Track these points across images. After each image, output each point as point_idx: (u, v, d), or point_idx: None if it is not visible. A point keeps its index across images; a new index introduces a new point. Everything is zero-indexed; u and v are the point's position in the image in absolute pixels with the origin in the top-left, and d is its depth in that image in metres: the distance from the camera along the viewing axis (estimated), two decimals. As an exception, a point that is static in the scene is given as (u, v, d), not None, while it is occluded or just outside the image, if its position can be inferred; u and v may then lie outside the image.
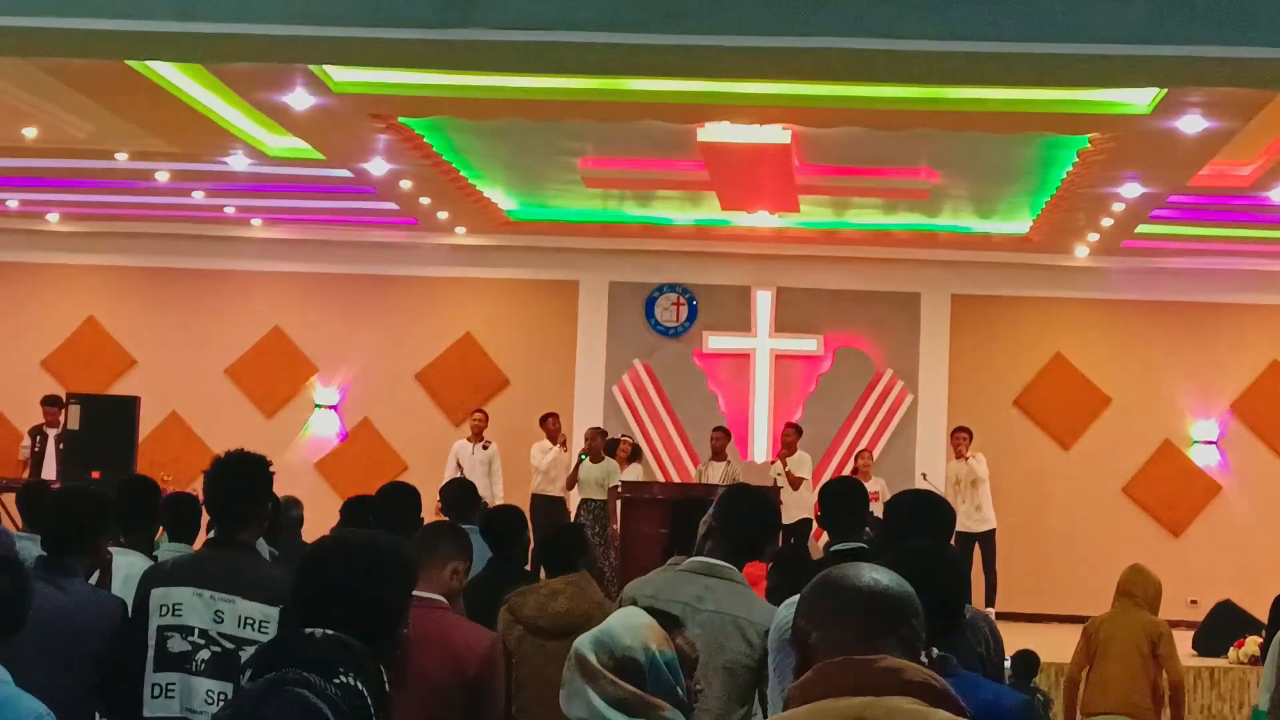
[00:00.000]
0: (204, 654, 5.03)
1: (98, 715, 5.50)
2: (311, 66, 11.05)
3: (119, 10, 9.22)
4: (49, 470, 16.27)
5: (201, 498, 5.79)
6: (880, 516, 6.73)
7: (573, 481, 16.34)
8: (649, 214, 17.59)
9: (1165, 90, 10.73)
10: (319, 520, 11.18)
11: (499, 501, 14.39)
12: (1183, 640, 11.63)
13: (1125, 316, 18.65)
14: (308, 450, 18.76)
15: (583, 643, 3.95)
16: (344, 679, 2.41)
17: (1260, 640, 12.02)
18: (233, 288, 19.29)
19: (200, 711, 4.99)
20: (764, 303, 18.89)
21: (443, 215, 17.41)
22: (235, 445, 5.74)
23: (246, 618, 5.04)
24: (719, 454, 16.78)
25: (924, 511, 5.55)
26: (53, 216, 18.68)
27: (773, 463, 16.94)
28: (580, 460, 16.29)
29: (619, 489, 15.27)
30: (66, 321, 19.32)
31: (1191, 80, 9.89)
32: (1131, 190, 14.27)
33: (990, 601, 15.94)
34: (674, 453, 18.30)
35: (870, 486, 15.69)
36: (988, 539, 16.33)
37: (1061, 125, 12.44)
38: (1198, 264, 18.04)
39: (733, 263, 18.78)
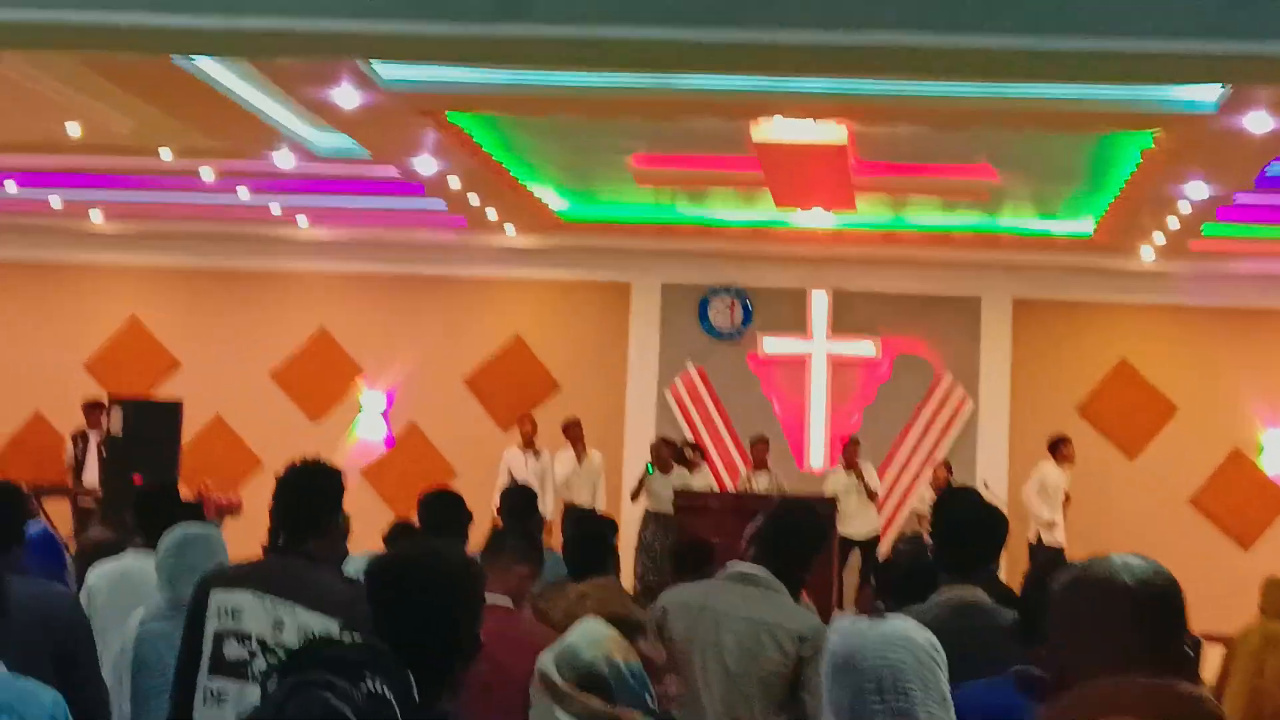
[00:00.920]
0: (260, 663, 4.96)
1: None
2: (360, 62, 11.11)
3: (165, 4, 9.29)
4: (90, 475, 16.38)
5: (223, 501, 5.80)
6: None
7: (636, 494, 16.35)
8: (702, 213, 17.61)
9: (1231, 86, 10.67)
10: (366, 528, 11.19)
11: (549, 513, 14.44)
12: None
13: (1193, 322, 18.56)
14: (354, 456, 18.81)
15: (544, 661, 3.95)
16: (370, 685, 2.42)
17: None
18: (278, 288, 19.43)
19: None
20: (820, 305, 18.89)
21: (492, 214, 17.44)
22: (280, 450, 5.77)
23: (306, 628, 5.03)
24: (760, 464, 16.78)
25: (980, 523, 5.50)
26: (96, 215, 18.80)
27: (847, 473, 16.82)
28: (647, 472, 16.30)
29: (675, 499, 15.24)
30: (109, 323, 19.49)
31: (1259, 77, 9.84)
32: (1197, 190, 14.18)
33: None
34: (728, 459, 18.29)
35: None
36: (1060, 556, 16.32)
37: (1124, 122, 12.40)
38: (1267, 267, 17.92)
39: (788, 264, 18.76)
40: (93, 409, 17.22)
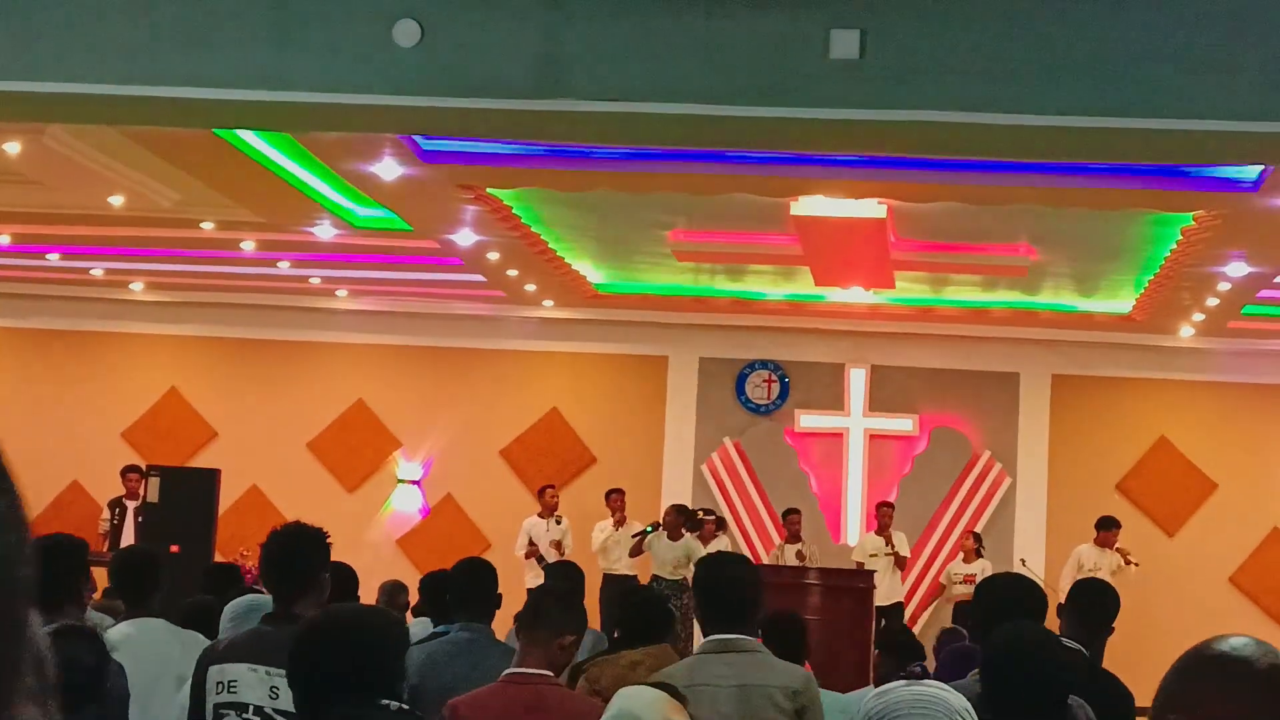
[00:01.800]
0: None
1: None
2: (396, 137, 11.19)
3: (208, 79, 9.38)
4: (127, 542, 16.38)
5: (256, 571, 5.81)
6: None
7: (636, 551, 16.24)
8: (740, 288, 17.61)
9: (1273, 167, 10.67)
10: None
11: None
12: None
13: (1232, 399, 18.49)
14: (390, 526, 18.86)
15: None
16: None
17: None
18: (316, 359, 19.48)
19: None
20: (858, 381, 18.88)
21: (530, 288, 17.51)
22: (316, 520, 5.79)
23: None
24: (794, 537, 16.77)
25: (1018, 597, 5.49)
26: (137, 285, 18.93)
27: (877, 538, 16.80)
28: (646, 532, 16.24)
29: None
30: (148, 392, 19.57)
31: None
32: (1238, 269, 14.16)
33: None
34: (764, 534, 18.24)
35: (973, 569, 15.66)
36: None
37: (1165, 202, 12.37)
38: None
39: (826, 339, 18.77)
40: (132, 472, 17.26)
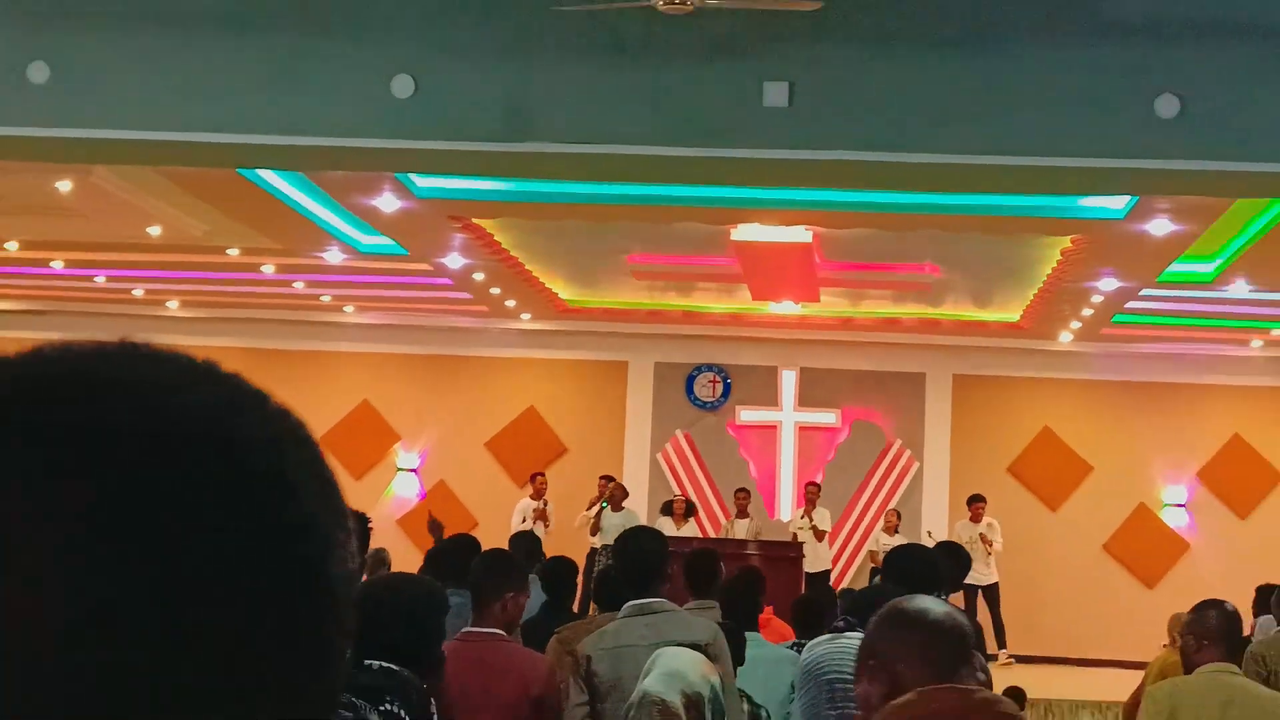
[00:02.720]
0: None
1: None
2: (395, 175, 11.18)
3: (231, 126, 9.34)
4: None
5: None
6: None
7: (595, 529, 16.25)
8: (689, 303, 17.60)
9: (1137, 197, 10.74)
10: (401, 567, 11.17)
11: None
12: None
13: (1104, 395, 18.62)
14: (391, 508, 18.78)
15: (657, 688, 3.89)
16: (389, 706, 2.40)
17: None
18: (327, 366, 19.42)
19: None
20: (789, 381, 18.93)
21: (510, 303, 17.52)
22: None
23: None
24: (742, 512, 16.82)
25: (919, 564, 5.49)
26: (172, 304, 18.90)
27: (801, 516, 16.89)
28: (601, 508, 16.28)
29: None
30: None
31: (1160, 190, 9.90)
32: (1109, 284, 14.28)
33: (1001, 644, 16.02)
34: (710, 511, 18.24)
35: (894, 541, 15.74)
36: (992, 590, 16.34)
37: (1046, 228, 12.45)
38: (1167, 349, 18.03)
39: (762, 346, 18.80)
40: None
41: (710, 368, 19.05)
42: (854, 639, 3.41)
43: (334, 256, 15.01)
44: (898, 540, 15.36)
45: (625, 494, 16.66)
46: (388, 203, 12.15)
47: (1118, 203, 11.18)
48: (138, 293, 18.09)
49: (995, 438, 18.66)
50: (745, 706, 5.29)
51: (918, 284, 15.59)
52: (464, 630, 5.13)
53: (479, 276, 15.76)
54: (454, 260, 14.81)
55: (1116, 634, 16.67)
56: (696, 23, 8.25)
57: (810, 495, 17.14)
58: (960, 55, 8.97)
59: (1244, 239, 12.47)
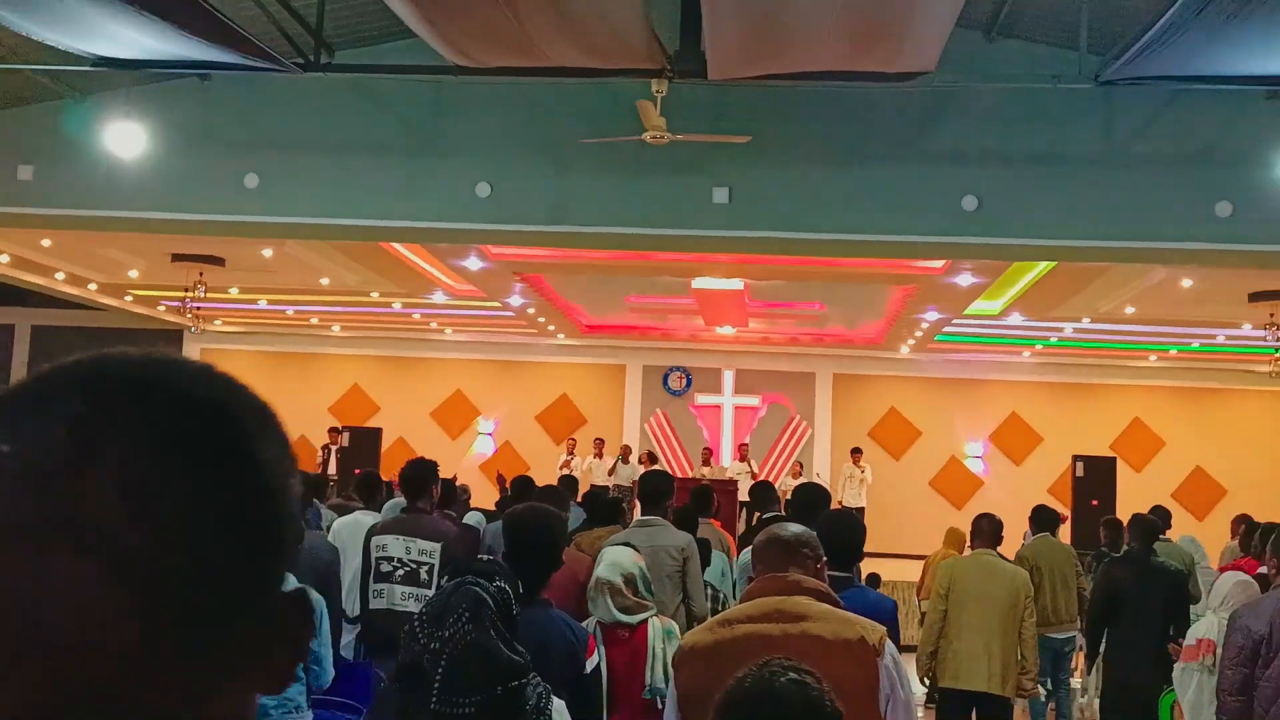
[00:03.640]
0: (400, 571, 5.00)
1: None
2: (478, 246, 11.23)
3: (373, 216, 9.38)
4: (330, 469, 16.31)
5: (398, 482, 5.73)
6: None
7: (611, 472, 16.12)
8: (665, 327, 17.60)
9: (949, 260, 10.81)
10: (480, 497, 11.20)
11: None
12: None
13: (930, 386, 18.64)
14: (474, 458, 18.79)
15: (605, 574, 3.88)
16: (499, 583, 2.42)
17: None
18: (434, 368, 19.39)
19: (399, 605, 4.93)
20: (729, 378, 18.92)
21: (550, 327, 17.52)
22: (436, 456, 5.76)
23: (422, 549, 5.02)
24: (707, 462, 16.81)
25: (814, 495, 5.53)
26: (335, 327, 18.86)
27: (738, 464, 16.86)
28: (617, 462, 16.21)
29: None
30: (342, 385, 19.44)
31: (964, 256, 9.97)
32: (931, 315, 14.31)
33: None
34: (679, 461, 18.28)
35: (796, 483, 15.75)
36: (861, 511, 16.36)
37: (892, 279, 12.50)
38: (969, 357, 18.07)
39: (712, 354, 18.80)
40: (332, 431, 17.20)
41: (678, 369, 19.04)
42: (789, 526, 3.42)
43: (438, 297, 15.00)
44: (800, 481, 15.42)
45: (629, 452, 16.67)
46: (473, 264, 12.18)
47: (938, 264, 11.24)
48: (314, 321, 18.11)
49: (860, 415, 18.67)
50: (709, 591, 5.28)
51: (811, 315, 15.65)
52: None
53: (531, 310, 15.79)
54: (515, 300, 14.84)
55: (936, 538, 16.65)
56: (670, 150, 8.31)
57: (743, 452, 17.14)
58: (839, 170, 9.04)
59: (1018, 288, 12.52)
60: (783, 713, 1.55)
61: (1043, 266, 11.15)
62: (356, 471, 8.60)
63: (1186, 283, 11.47)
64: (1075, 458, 18.01)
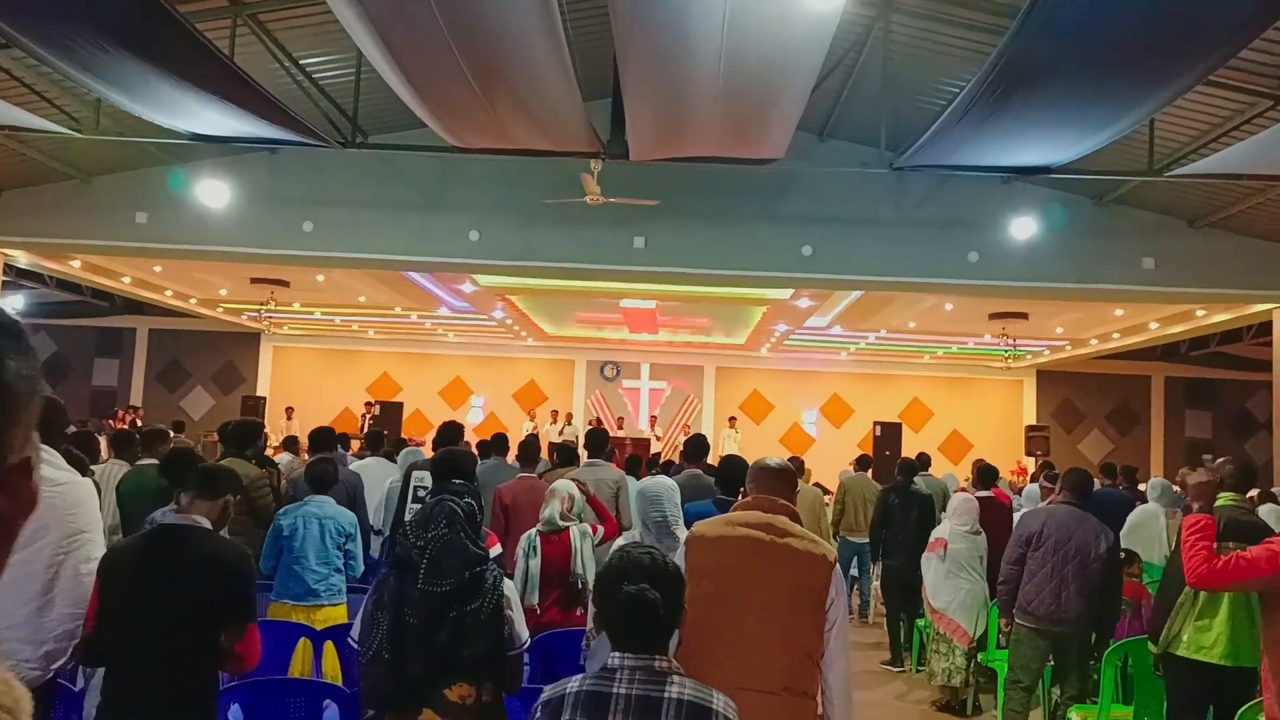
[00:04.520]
0: (425, 495, 4.88)
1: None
2: (471, 275, 11.01)
3: (394, 253, 9.12)
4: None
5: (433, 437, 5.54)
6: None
7: (560, 433, 15.72)
8: (602, 333, 17.47)
9: (794, 290, 10.91)
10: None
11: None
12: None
13: (781, 376, 18.69)
14: (469, 423, 18.45)
15: (561, 487, 3.86)
16: (468, 500, 2.34)
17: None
18: (440, 362, 18.88)
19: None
20: (645, 369, 18.74)
21: (522, 333, 17.26)
22: (442, 419, 5.58)
23: (453, 487, 4.89)
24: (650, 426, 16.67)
25: (701, 447, 5.48)
26: (371, 333, 18.30)
27: (650, 430, 16.84)
28: (564, 426, 15.99)
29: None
30: (374, 373, 18.87)
31: (803, 286, 10.06)
32: (780, 327, 14.38)
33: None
34: (611, 426, 18.02)
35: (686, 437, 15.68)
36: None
37: (756, 302, 12.53)
38: (808, 355, 18.15)
39: (634, 352, 18.65)
40: (368, 405, 16.76)
41: (611, 362, 18.79)
42: (663, 477, 3.35)
43: (443, 311, 14.63)
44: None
45: (570, 419, 16.46)
46: (467, 288, 11.92)
47: (785, 293, 11.29)
48: (354, 327, 17.55)
49: (733, 394, 18.63)
50: (636, 519, 5.19)
51: (700, 327, 15.65)
52: (519, 476, 5.02)
53: (509, 321, 15.53)
54: (497, 314, 14.59)
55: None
56: (604, 209, 8.22)
57: (653, 421, 17.10)
58: (720, 225, 9.03)
59: (839, 308, 12.56)
60: (638, 569, 1.69)
61: (855, 295, 11.31)
62: (385, 433, 8.30)
63: (949, 306, 11.73)
64: (875, 423, 18.26)
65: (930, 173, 7.24)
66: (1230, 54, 4.26)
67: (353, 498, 5.00)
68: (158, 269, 11.80)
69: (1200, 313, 10.57)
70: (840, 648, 2.17)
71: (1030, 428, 16.49)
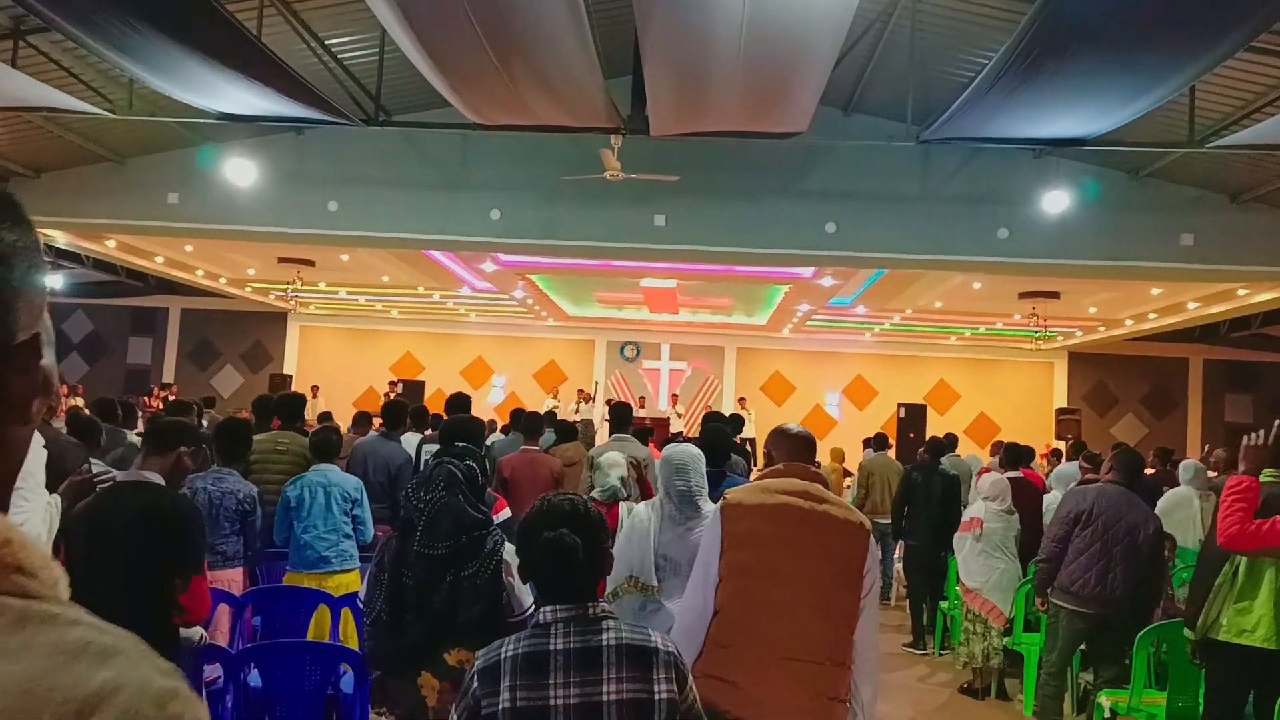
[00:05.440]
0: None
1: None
2: (493, 254, 11.01)
3: (417, 230, 9.12)
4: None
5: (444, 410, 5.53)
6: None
7: (578, 410, 15.63)
8: (623, 314, 17.43)
9: (816, 267, 10.78)
10: (490, 434, 10.98)
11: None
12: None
13: (803, 356, 18.57)
14: (489, 402, 18.55)
15: (616, 458, 3.86)
16: (469, 462, 2.32)
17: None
18: (462, 341, 18.96)
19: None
20: (666, 349, 18.69)
21: (543, 313, 17.26)
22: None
23: (457, 454, 4.90)
24: (642, 405, 16.67)
25: (719, 423, 5.43)
26: (394, 312, 18.39)
27: (671, 408, 16.82)
28: (582, 404, 15.97)
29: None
30: (397, 352, 18.99)
31: (826, 264, 9.94)
32: (804, 307, 14.25)
33: (754, 464, 15.92)
34: (632, 405, 18.11)
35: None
36: (752, 443, 16.35)
37: (778, 281, 12.40)
38: (831, 336, 17.98)
39: (654, 333, 18.61)
40: (392, 384, 16.90)
41: (631, 343, 18.80)
42: (686, 445, 3.31)
43: (465, 291, 14.65)
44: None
45: (591, 397, 16.47)
46: (489, 267, 11.92)
47: (809, 271, 11.19)
48: (378, 306, 17.65)
49: (754, 375, 18.54)
50: (660, 487, 5.17)
51: (721, 306, 15.57)
52: (522, 449, 5.03)
53: (530, 301, 15.54)
54: (518, 294, 14.58)
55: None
56: (624, 186, 8.16)
57: (674, 400, 17.08)
58: (742, 202, 8.93)
59: (863, 288, 12.44)
60: (558, 514, 1.68)
61: (879, 273, 11.16)
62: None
63: (977, 285, 11.54)
64: (900, 405, 18.13)
65: (958, 146, 7.08)
66: (1276, 16, 4.08)
67: (363, 468, 4.94)
68: (189, 249, 11.94)
69: (1242, 291, 10.22)
70: (871, 616, 2.14)
71: (1061, 410, 16.24)
